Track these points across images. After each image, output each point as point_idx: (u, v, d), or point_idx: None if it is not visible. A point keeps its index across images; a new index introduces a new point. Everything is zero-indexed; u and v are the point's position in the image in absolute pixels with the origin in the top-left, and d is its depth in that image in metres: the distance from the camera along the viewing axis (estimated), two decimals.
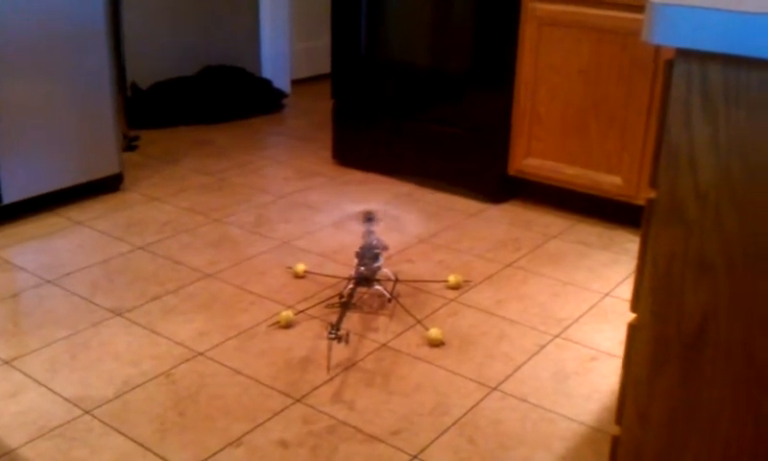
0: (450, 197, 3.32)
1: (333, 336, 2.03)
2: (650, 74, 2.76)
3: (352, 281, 2.36)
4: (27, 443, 1.78)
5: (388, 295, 2.45)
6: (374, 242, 2.38)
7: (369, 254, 2.35)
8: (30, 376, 2.02)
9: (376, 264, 2.36)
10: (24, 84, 2.85)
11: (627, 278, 2.64)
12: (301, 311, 2.36)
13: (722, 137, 1.06)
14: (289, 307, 2.38)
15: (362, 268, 2.34)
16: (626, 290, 2.55)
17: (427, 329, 2.24)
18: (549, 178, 3.10)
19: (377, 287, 2.42)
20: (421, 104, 3.35)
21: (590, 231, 3.00)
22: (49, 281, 2.52)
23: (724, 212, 1.08)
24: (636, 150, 2.86)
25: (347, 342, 2.16)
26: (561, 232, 2.99)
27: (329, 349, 2.15)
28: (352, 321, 2.32)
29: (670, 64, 1.08)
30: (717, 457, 1.17)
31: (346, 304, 2.28)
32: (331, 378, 2.05)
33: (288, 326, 2.28)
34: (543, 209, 3.20)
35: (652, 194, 1.14)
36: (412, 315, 2.35)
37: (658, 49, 2.71)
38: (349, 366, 2.11)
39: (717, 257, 1.10)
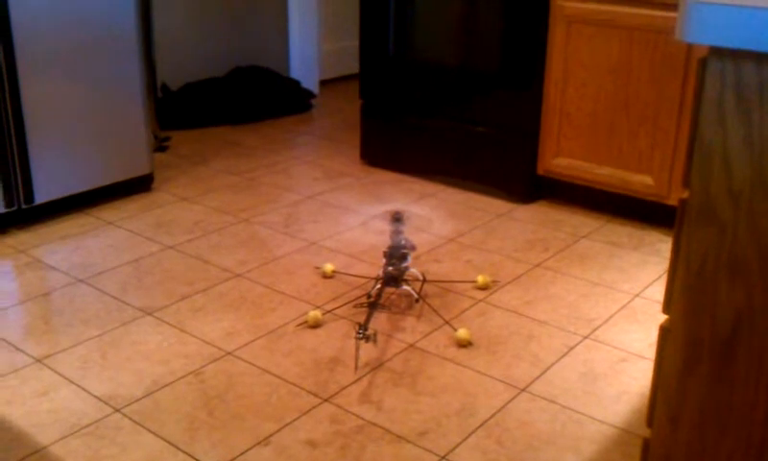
0: (479, 197, 3.30)
1: (361, 336, 2.03)
2: (681, 72, 2.73)
3: (380, 281, 2.36)
4: (58, 440, 1.80)
5: (416, 295, 2.44)
6: (402, 242, 2.37)
7: (397, 254, 2.35)
8: (61, 375, 2.05)
9: (404, 264, 2.36)
10: (56, 86, 2.88)
11: (657, 278, 2.61)
12: (329, 311, 2.36)
13: (756, 136, 1.04)
14: (317, 307, 2.38)
15: (390, 268, 2.34)
16: (657, 291, 2.53)
17: (455, 330, 2.23)
18: (579, 177, 3.08)
19: (405, 287, 2.41)
20: (450, 103, 3.34)
21: (621, 232, 2.97)
22: (80, 281, 2.54)
23: (758, 212, 1.06)
24: (667, 149, 2.82)
25: (374, 342, 2.16)
26: (590, 233, 2.96)
27: (357, 348, 2.15)
28: (380, 321, 2.32)
29: (704, 63, 1.06)
30: None
31: (373, 305, 2.28)
32: (359, 379, 2.05)
33: (316, 325, 2.28)
34: (573, 209, 3.17)
35: (685, 194, 1.12)
36: (440, 315, 2.34)
37: (689, 47, 2.68)
38: (377, 366, 2.10)
39: (751, 258, 1.08)
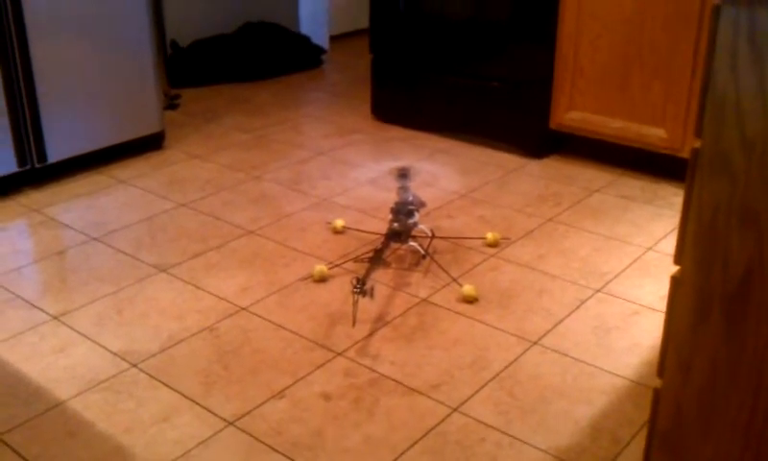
0: (491, 152, 3.29)
1: (358, 290, 2.03)
2: (695, 23, 2.69)
3: (384, 237, 2.36)
4: (76, 395, 1.83)
5: (422, 251, 2.44)
6: (410, 198, 2.37)
7: (403, 211, 2.34)
8: (78, 331, 2.07)
9: (411, 220, 2.35)
10: (65, 44, 2.88)
11: (670, 232, 2.60)
12: (336, 265, 2.37)
13: None
14: (329, 263, 2.39)
15: (395, 224, 2.34)
16: (669, 245, 2.52)
17: (461, 286, 2.23)
18: (592, 131, 3.06)
19: (412, 243, 2.41)
20: (461, 58, 3.31)
21: (634, 185, 2.96)
22: (94, 239, 2.56)
23: None
24: (681, 102, 2.80)
25: (371, 296, 2.12)
26: (603, 187, 2.95)
27: (355, 303, 2.15)
28: (388, 277, 2.33)
29: (717, 10, 1.05)
30: (761, 411, 1.16)
31: (373, 260, 2.27)
32: (372, 333, 2.06)
33: (321, 279, 2.29)
34: (585, 164, 3.16)
35: (697, 143, 1.12)
36: (447, 272, 2.35)
37: None
38: (390, 320, 2.12)
39: (763, 208, 1.07)
